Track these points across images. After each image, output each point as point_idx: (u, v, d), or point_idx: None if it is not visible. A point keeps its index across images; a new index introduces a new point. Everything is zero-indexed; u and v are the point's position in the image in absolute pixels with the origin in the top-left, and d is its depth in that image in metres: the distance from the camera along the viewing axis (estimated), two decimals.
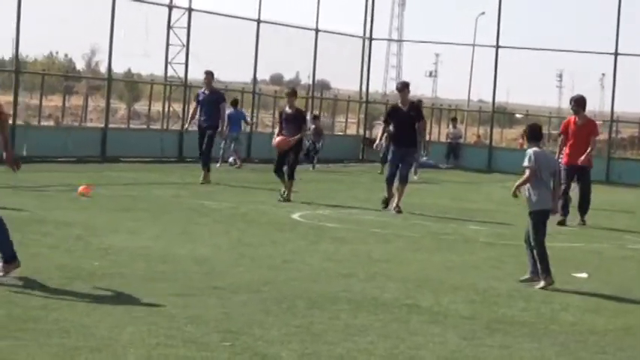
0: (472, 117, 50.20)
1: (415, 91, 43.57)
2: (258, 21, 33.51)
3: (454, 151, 35.64)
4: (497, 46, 35.86)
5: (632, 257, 14.38)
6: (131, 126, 41.15)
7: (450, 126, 38.40)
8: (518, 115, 49.82)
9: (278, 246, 12.63)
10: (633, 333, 8.07)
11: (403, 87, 18.76)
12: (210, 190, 20.28)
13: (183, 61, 31.71)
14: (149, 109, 40.87)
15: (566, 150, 17.37)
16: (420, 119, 18.49)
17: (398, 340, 7.13)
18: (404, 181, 17.77)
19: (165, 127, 34.68)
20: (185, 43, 31.50)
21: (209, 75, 21.96)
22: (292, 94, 19.47)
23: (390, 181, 17.82)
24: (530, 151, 10.34)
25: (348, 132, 43.46)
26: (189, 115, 23.72)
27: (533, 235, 10.32)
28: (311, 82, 38.08)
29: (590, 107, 23.96)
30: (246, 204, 17.61)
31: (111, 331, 6.68)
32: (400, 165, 17.82)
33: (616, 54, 34.15)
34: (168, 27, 31.48)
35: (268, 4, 34.02)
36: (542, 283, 10.09)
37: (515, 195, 10.69)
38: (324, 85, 43.65)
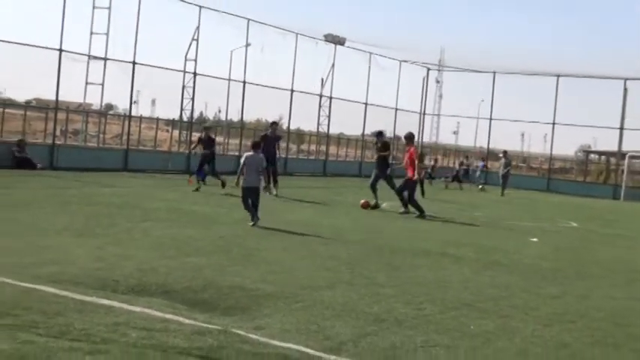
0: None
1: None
2: (292, 91, 41.62)
3: None
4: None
5: (560, 230, 21.71)
6: None
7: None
8: None
9: (375, 221, 19.94)
10: (564, 269, 14.44)
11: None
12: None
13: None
14: None
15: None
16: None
17: (437, 271, 12.97)
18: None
19: None
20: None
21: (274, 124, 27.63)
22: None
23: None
24: None
25: None
26: None
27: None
28: None
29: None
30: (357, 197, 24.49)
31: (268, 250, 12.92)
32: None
33: None
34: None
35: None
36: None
37: None
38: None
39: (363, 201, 23.80)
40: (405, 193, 22.96)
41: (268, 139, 23.96)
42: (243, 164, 16.76)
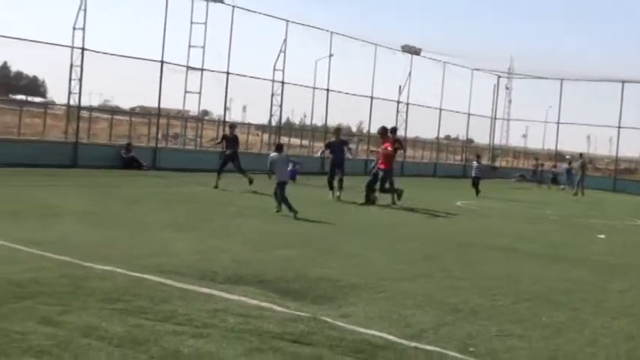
0: None
1: None
2: (371, 98, 42.44)
3: None
4: None
5: (627, 228, 20.84)
6: None
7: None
8: None
9: (451, 218, 19.94)
10: (631, 265, 14.07)
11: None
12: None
13: None
14: None
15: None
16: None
17: (509, 265, 12.85)
18: None
19: None
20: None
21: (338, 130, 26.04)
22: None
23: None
24: None
25: None
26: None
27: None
28: None
29: None
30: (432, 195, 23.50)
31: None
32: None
33: None
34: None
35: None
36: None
37: None
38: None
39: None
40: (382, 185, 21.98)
41: (333, 145, 22.82)
42: (271, 163, 17.23)
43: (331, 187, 22.06)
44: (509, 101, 59.03)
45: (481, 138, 58.62)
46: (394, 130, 24.12)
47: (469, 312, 8.49)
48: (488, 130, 57.01)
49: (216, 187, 22.31)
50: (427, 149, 53.38)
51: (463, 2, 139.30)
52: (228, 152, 23.58)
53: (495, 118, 57.51)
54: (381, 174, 21.52)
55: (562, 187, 41.99)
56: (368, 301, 8.60)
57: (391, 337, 7.01)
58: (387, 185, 21.77)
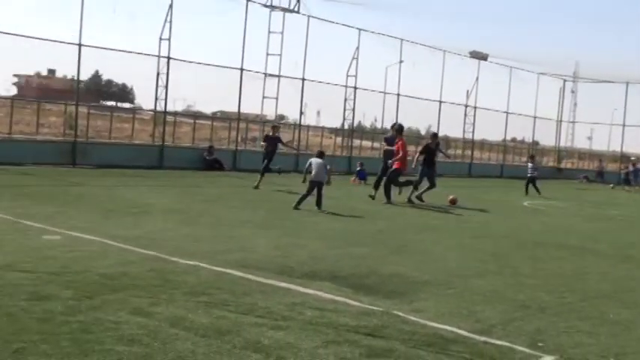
0: None
1: None
2: (440, 102, 42.78)
3: None
4: None
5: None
6: None
7: None
8: None
9: (520, 217, 19.60)
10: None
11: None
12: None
13: None
14: None
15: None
16: None
17: (576, 263, 12.58)
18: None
19: None
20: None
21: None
22: None
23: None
24: None
25: None
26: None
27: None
28: None
29: None
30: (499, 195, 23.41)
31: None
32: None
33: None
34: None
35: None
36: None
37: None
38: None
39: (451, 197, 21.96)
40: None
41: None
42: (310, 165, 17.47)
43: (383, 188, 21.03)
44: (575, 104, 57.93)
45: (547, 140, 57.71)
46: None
47: (537, 308, 8.34)
48: (554, 132, 56.11)
49: (256, 187, 21.67)
50: (494, 151, 52.80)
51: (530, 9, 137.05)
52: (271, 150, 22.71)
53: (561, 121, 56.62)
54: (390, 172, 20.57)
55: (611, 185, 41.06)
56: (439, 296, 8.53)
57: (461, 332, 6.95)
58: (400, 180, 21.06)
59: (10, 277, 7.64)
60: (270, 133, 23.70)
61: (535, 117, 52.19)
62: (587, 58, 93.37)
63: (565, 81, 55.72)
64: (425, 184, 21.41)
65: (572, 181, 46.30)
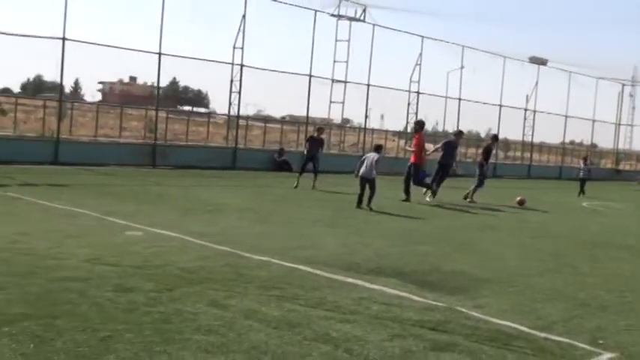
0: None
1: None
2: (500, 106, 42.10)
3: None
4: None
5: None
6: None
7: None
8: None
9: (578, 217, 19.29)
10: None
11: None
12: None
13: None
14: None
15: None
16: None
17: (636, 263, 12.38)
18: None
19: None
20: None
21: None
22: None
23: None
24: None
25: None
26: None
27: None
28: None
29: None
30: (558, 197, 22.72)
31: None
32: None
33: None
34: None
35: None
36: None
37: None
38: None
39: (519, 198, 21.42)
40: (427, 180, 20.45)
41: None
42: (362, 160, 17.01)
43: (428, 187, 20.51)
44: (633, 108, 56.53)
45: (605, 143, 56.39)
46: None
47: (597, 307, 8.15)
48: (612, 135, 54.87)
49: (296, 187, 21.35)
50: (552, 153, 51.87)
51: (588, 15, 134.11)
52: (314, 152, 22.14)
53: (619, 124, 55.31)
54: (412, 169, 19.85)
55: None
56: (500, 294, 8.41)
57: (523, 328, 6.84)
58: (426, 180, 20.41)
59: (97, 270, 7.83)
60: (315, 135, 23.07)
61: (594, 120, 51.24)
62: None
63: (624, 85, 54.52)
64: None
65: (630, 183, 45.19)
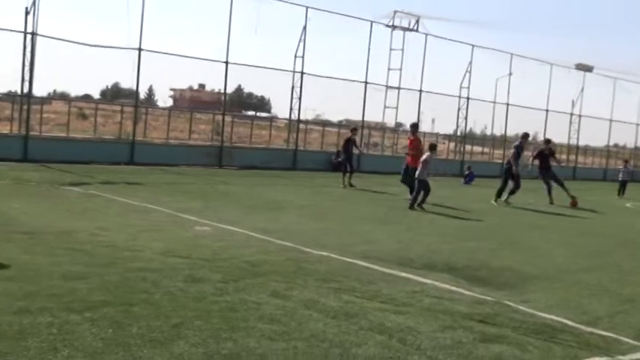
0: None
1: None
2: (547, 111, 40.38)
3: None
4: None
5: None
6: None
7: None
8: None
9: (625, 217, 18.96)
10: None
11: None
12: None
13: None
14: None
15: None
16: None
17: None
18: None
19: None
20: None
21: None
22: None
23: None
24: None
25: None
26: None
27: None
28: None
29: None
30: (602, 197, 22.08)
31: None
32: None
33: None
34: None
35: None
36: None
37: None
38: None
39: (571, 200, 20.63)
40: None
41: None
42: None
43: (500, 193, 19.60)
44: None
45: None
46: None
47: None
48: None
49: (345, 186, 21.16)
50: (597, 156, 50.71)
51: (634, 22, 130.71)
52: (349, 152, 21.66)
53: None
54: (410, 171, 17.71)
55: None
56: (547, 289, 8.26)
57: (569, 322, 6.70)
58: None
59: (169, 261, 7.95)
60: (352, 136, 22.37)
61: (638, 124, 49.97)
62: None
63: None
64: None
65: None
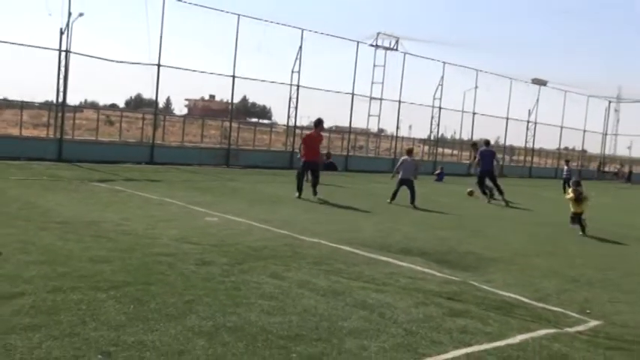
0: None
1: None
2: (507, 119, 40.41)
3: None
4: None
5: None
6: None
7: None
8: None
9: (567, 210, 17.79)
10: None
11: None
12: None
13: None
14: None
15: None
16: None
17: (619, 248, 12.01)
18: None
19: None
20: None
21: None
22: None
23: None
24: None
25: None
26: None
27: None
28: None
29: None
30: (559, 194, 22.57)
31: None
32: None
33: None
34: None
35: None
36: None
37: None
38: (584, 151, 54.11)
39: (468, 190, 20.41)
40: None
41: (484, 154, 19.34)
42: (400, 164, 16.37)
43: (484, 192, 19.27)
44: (617, 120, 55.18)
45: (593, 149, 55.21)
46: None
47: (585, 282, 7.99)
48: (599, 142, 53.78)
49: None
50: (549, 157, 50.93)
51: (582, 44, 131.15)
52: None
53: (606, 134, 54.11)
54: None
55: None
56: (505, 271, 8.29)
57: (523, 299, 6.74)
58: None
59: (183, 247, 7.94)
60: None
61: (584, 130, 50.22)
62: (628, 82, 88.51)
63: (610, 102, 53.22)
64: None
65: (613, 182, 44.17)
